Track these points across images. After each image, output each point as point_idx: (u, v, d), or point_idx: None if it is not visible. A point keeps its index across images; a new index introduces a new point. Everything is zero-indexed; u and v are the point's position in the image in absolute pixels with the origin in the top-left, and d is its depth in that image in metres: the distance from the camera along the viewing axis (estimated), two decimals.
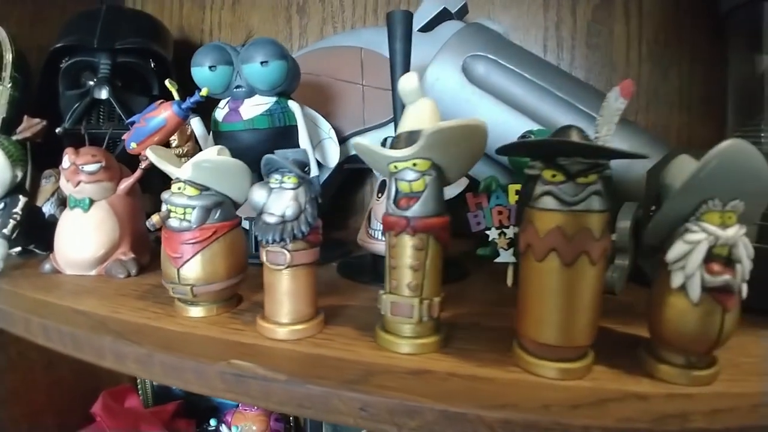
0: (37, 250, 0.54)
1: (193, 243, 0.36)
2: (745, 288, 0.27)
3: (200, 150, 0.60)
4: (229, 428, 0.67)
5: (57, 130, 0.55)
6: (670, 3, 0.61)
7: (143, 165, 0.48)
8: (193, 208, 0.36)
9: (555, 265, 0.28)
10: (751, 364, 0.31)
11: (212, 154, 0.38)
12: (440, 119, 0.32)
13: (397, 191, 0.32)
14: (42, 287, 0.44)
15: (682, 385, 0.28)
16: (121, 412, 0.65)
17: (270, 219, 0.33)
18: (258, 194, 0.33)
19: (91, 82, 0.60)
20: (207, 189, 0.37)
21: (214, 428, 0.71)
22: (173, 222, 0.37)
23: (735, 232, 0.26)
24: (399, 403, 0.27)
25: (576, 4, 0.63)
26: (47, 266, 0.48)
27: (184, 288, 0.37)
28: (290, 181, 0.33)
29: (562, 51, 0.64)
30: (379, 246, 0.46)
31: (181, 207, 0.37)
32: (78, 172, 0.46)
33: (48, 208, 0.57)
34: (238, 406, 0.71)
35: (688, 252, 0.27)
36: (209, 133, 0.53)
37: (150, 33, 0.64)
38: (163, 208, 0.38)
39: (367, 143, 0.32)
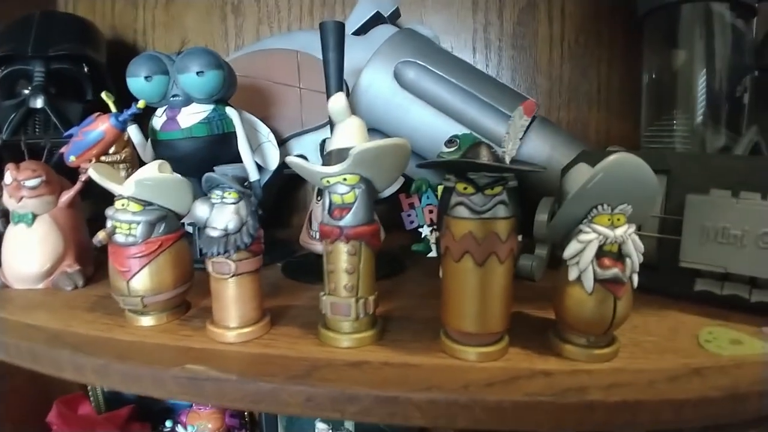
0: None
1: (140, 257, 0.39)
2: (635, 278, 0.33)
3: (138, 157, 0.62)
4: (185, 428, 0.70)
5: None
6: (590, 6, 0.67)
7: (83, 178, 0.50)
8: (138, 223, 0.39)
9: (469, 264, 0.33)
10: (652, 342, 0.37)
11: (153, 170, 0.41)
12: (367, 136, 0.37)
13: (330, 203, 0.36)
14: None
15: (584, 362, 0.34)
16: (76, 419, 0.67)
17: (213, 233, 0.36)
18: (200, 209, 0.37)
19: (26, 91, 0.61)
20: (150, 204, 0.40)
21: (169, 429, 0.74)
22: (119, 237, 0.40)
23: (623, 231, 0.32)
24: (340, 392, 0.32)
25: (502, 8, 0.68)
26: None
27: (135, 299, 0.40)
28: (231, 196, 0.37)
29: (490, 52, 0.70)
30: (321, 247, 0.50)
31: (126, 223, 0.39)
32: (20, 187, 0.48)
33: None
34: (191, 405, 0.74)
35: (581, 250, 0.32)
36: (147, 140, 0.55)
37: (83, 37, 0.65)
38: (108, 224, 0.40)
39: (301, 161, 0.36)
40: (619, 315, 0.33)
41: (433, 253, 0.50)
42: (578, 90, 0.69)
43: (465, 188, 0.33)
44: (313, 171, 0.36)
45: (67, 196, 0.51)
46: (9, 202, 0.49)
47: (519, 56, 0.69)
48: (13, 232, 0.50)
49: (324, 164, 0.36)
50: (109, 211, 0.40)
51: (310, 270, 0.54)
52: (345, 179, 0.35)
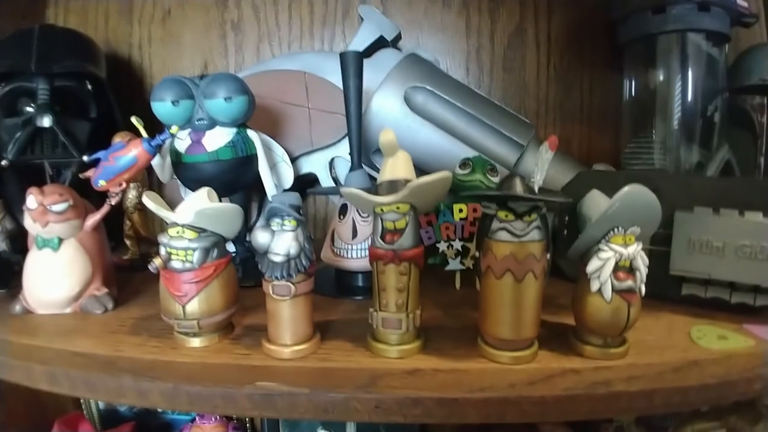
0: None
1: (196, 282, 0.43)
2: (643, 288, 0.40)
3: (149, 177, 0.65)
4: None
5: (2, 163, 0.57)
6: (573, 32, 0.76)
7: (112, 201, 0.52)
8: (195, 249, 0.43)
9: (509, 281, 0.39)
10: (653, 340, 0.45)
11: (205, 198, 0.45)
12: (413, 168, 0.43)
13: (383, 228, 0.42)
14: (22, 331, 0.48)
15: (603, 360, 0.41)
16: None
17: (276, 258, 0.41)
18: (262, 237, 0.41)
19: (29, 108, 0.61)
20: (204, 231, 0.44)
21: None
22: (176, 264, 0.43)
23: (634, 249, 0.40)
24: (405, 397, 0.37)
25: (494, 32, 0.76)
26: (18, 307, 0.51)
27: (191, 323, 0.43)
28: (290, 223, 0.41)
29: (482, 74, 0.77)
30: (346, 263, 0.56)
31: (182, 250, 0.43)
32: (46, 212, 0.50)
33: None
34: (194, 419, 0.77)
35: (602, 266, 0.40)
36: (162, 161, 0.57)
37: (86, 54, 0.66)
38: (162, 250, 0.44)
39: (357, 191, 0.41)
40: (632, 319, 0.41)
41: (449, 267, 0.56)
42: (563, 108, 0.77)
43: (506, 216, 0.39)
44: (368, 200, 0.41)
45: (93, 219, 0.53)
46: (33, 227, 0.51)
47: (509, 78, 0.77)
48: (37, 257, 0.51)
49: (374, 193, 0.42)
50: (163, 239, 0.44)
51: (333, 284, 0.59)
52: (398, 207, 0.41)
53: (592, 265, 0.40)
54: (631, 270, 0.40)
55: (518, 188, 0.39)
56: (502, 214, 0.39)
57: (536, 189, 0.41)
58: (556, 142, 0.42)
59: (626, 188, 0.39)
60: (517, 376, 0.40)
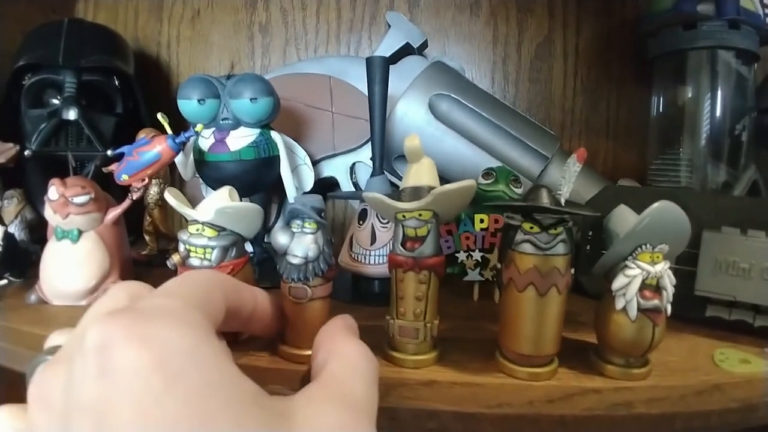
0: (11, 279, 0.56)
1: None
2: (669, 307, 0.39)
3: (171, 174, 0.65)
4: None
5: (26, 153, 0.57)
6: (602, 45, 0.75)
7: (134, 196, 0.52)
8: (213, 248, 0.42)
9: (532, 295, 0.38)
10: (676, 362, 0.43)
11: (226, 197, 0.44)
12: (437, 175, 0.42)
13: (404, 235, 0.41)
14: (35, 321, 0.47)
15: (624, 380, 0.40)
16: None
17: (294, 260, 0.40)
18: (282, 238, 0.40)
19: (55, 101, 0.62)
20: (224, 229, 0.43)
21: None
22: (194, 261, 0.43)
23: (661, 267, 0.38)
24: (421, 409, 0.36)
25: (521, 43, 0.75)
26: (33, 297, 0.51)
27: None
28: (310, 226, 0.40)
29: (508, 84, 0.76)
30: (364, 268, 0.55)
31: (201, 248, 0.42)
32: (67, 204, 0.50)
33: (12, 232, 0.59)
34: None
35: (628, 283, 0.38)
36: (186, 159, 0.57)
37: (114, 49, 0.67)
38: (181, 247, 0.43)
39: (379, 196, 0.40)
40: (656, 339, 0.39)
41: (468, 277, 0.55)
42: (589, 121, 0.76)
43: (531, 227, 0.38)
44: (390, 205, 0.40)
45: (113, 213, 0.53)
46: (53, 218, 0.51)
47: (534, 88, 0.76)
48: (55, 248, 0.51)
49: (396, 199, 0.41)
50: (182, 236, 0.43)
51: (349, 289, 0.58)
52: (420, 215, 0.40)
53: (618, 282, 0.39)
54: (657, 289, 0.39)
55: (545, 200, 0.38)
56: (527, 225, 0.38)
57: (563, 201, 0.40)
58: (585, 155, 0.41)
59: (656, 204, 0.38)
60: (536, 393, 0.38)
